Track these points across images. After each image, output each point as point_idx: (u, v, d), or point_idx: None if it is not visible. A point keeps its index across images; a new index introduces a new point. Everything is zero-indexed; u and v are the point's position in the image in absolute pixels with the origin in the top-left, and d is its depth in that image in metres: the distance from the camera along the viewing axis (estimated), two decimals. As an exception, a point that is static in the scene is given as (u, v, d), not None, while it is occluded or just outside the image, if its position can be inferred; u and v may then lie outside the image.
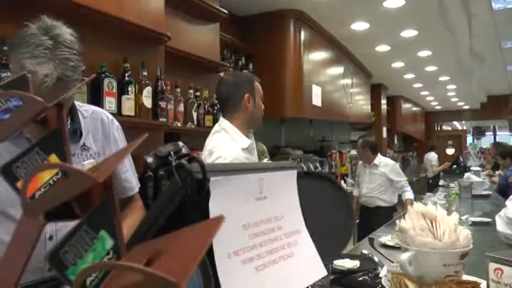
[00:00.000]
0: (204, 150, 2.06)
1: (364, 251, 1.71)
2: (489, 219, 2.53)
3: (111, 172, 0.37)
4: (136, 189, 1.52)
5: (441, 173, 9.24)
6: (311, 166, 5.67)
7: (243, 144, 1.97)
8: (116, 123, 1.48)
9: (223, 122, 2.07)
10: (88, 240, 0.37)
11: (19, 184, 0.43)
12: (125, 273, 0.33)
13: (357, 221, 4.54)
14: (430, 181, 9.73)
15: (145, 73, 2.49)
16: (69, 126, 1.27)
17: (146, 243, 0.38)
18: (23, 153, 0.44)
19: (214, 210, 0.70)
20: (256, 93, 2.10)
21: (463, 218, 2.67)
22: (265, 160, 4.35)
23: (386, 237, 2.07)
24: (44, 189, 0.40)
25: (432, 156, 9.90)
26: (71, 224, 0.40)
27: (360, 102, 7.56)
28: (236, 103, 2.04)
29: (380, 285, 1.20)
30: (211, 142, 2.02)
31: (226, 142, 1.96)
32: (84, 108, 1.40)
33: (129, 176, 1.50)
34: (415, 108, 12.87)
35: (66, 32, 1.19)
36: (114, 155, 0.43)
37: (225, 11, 3.51)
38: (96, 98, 2.20)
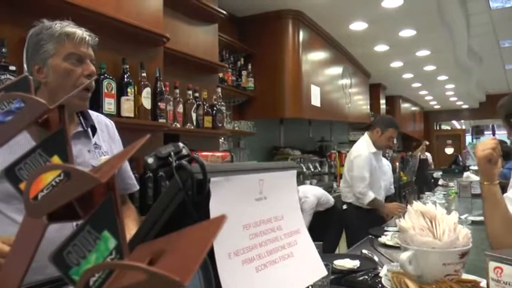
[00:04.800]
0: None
1: (364, 251, 1.71)
2: (488, 218, 2.53)
3: (114, 173, 0.38)
4: (137, 187, 1.61)
5: (437, 173, 9.28)
6: (310, 166, 5.68)
7: (371, 149, 3.53)
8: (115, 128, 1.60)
9: (366, 135, 3.65)
10: (91, 241, 0.37)
11: (22, 186, 0.43)
12: (128, 272, 0.33)
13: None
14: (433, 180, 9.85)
15: (144, 74, 2.49)
16: (84, 125, 1.40)
17: (148, 243, 0.38)
18: (26, 155, 0.45)
19: (214, 211, 0.70)
20: (386, 133, 3.54)
21: (463, 217, 2.67)
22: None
23: (385, 237, 2.08)
24: (46, 190, 0.41)
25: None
26: None
27: (358, 102, 7.57)
28: (373, 129, 3.60)
29: (380, 285, 1.20)
30: (354, 146, 3.69)
31: (363, 145, 3.58)
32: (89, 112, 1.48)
33: (131, 174, 1.58)
34: (414, 108, 12.88)
35: None
36: (116, 156, 0.43)
37: (224, 12, 3.51)
38: (95, 100, 2.20)
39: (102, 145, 1.44)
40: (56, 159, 0.45)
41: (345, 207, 3.65)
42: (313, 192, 3.88)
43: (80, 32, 1.32)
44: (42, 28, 1.31)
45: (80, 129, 1.38)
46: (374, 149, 3.54)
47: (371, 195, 3.41)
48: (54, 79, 1.29)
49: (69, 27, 1.32)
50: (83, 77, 1.31)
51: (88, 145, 1.38)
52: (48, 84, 1.30)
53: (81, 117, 1.41)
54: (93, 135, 1.42)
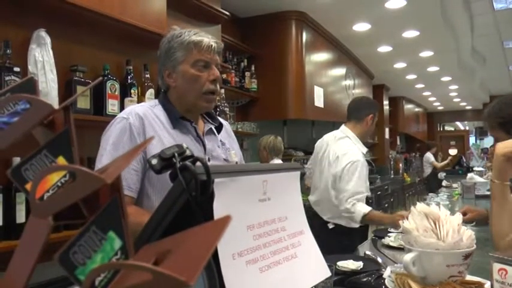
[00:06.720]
0: (328, 153, 2.65)
1: (368, 252, 1.71)
2: (492, 220, 2.51)
3: (119, 174, 0.38)
4: None
5: (441, 174, 9.21)
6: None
7: (363, 150, 2.60)
8: None
9: (346, 130, 2.68)
10: (97, 241, 0.38)
11: (28, 186, 0.43)
12: (133, 272, 0.33)
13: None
14: (426, 182, 9.84)
15: (147, 75, 2.49)
16: (212, 123, 1.56)
17: (153, 243, 0.39)
18: (31, 156, 0.45)
19: (218, 211, 0.71)
20: (375, 117, 2.70)
21: (466, 218, 2.65)
22: (276, 161, 4.32)
23: (389, 238, 2.07)
24: (52, 191, 0.41)
25: (429, 156, 9.96)
26: None
27: (362, 103, 7.54)
28: (361, 117, 2.65)
29: (383, 286, 1.20)
30: (339, 147, 2.58)
31: (353, 148, 2.56)
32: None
33: None
34: (417, 109, 12.84)
35: None
36: (121, 157, 0.43)
37: (227, 13, 3.51)
38: (99, 101, 2.21)
39: (225, 142, 1.60)
40: (61, 160, 0.45)
41: (331, 226, 2.64)
42: None
43: (207, 40, 1.42)
44: (173, 36, 1.43)
45: (210, 126, 1.55)
46: (365, 149, 2.66)
47: (363, 208, 2.36)
48: (183, 84, 1.42)
49: (197, 35, 1.42)
50: (208, 82, 1.43)
51: (217, 141, 1.55)
52: (177, 88, 1.44)
53: (207, 118, 1.57)
54: (219, 131, 1.58)
